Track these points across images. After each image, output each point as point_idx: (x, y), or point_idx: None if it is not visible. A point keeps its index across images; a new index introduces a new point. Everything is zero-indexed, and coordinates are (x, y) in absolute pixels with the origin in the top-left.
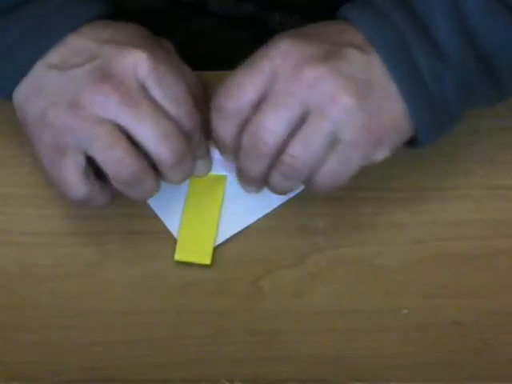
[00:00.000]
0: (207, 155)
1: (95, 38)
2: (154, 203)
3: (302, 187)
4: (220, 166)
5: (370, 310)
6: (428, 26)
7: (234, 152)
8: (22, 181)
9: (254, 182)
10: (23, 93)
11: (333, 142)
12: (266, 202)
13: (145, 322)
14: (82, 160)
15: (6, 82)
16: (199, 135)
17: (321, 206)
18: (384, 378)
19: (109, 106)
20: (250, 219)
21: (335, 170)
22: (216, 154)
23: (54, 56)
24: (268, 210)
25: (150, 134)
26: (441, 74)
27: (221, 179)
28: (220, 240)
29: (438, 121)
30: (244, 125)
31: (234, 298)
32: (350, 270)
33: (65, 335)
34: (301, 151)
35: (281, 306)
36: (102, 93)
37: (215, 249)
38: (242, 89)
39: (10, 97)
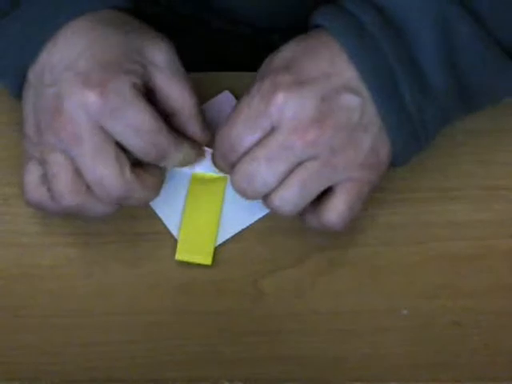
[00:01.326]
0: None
1: (66, 54)
2: (154, 204)
3: None
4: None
5: (370, 311)
6: (416, 58)
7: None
8: (22, 181)
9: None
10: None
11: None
12: None
13: (145, 322)
14: (40, 169)
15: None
16: (177, 150)
17: None
18: (384, 378)
19: (59, 140)
20: (251, 220)
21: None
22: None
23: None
24: (267, 211)
25: (95, 172)
26: (424, 106)
27: (221, 180)
28: (220, 240)
29: (417, 146)
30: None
31: (235, 299)
32: (350, 270)
33: (65, 335)
34: (293, 196)
35: (281, 306)
36: (54, 128)
37: (216, 249)
38: (241, 143)
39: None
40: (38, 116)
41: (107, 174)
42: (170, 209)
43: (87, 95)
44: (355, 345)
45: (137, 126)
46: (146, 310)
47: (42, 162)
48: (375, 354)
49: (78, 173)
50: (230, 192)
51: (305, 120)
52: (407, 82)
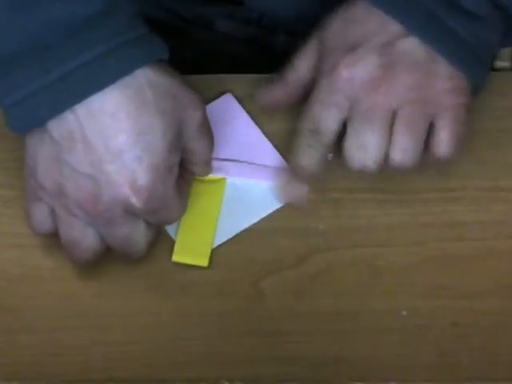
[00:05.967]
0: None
1: (106, 133)
2: None
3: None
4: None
5: (369, 311)
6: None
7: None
8: (23, 183)
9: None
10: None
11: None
12: (265, 205)
13: (145, 322)
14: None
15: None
16: None
17: (321, 207)
18: (384, 378)
19: (88, 216)
20: (249, 222)
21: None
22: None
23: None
24: (266, 213)
25: (123, 246)
26: (479, 33)
27: (220, 182)
28: (218, 242)
29: (486, 67)
30: None
31: (235, 299)
32: (349, 271)
33: (65, 335)
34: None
35: (281, 306)
36: (84, 208)
37: (216, 250)
38: (324, 122)
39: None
40: (59, 180)
41: (136, 250)
42: None
43: (132, 200)
44: (355, 345)
45: (170, 219)
46: (147, 311)
47: (56, 214)
48: (375, 354)
49: (100, 237)
50: (229, 194)
51: (374, 79)
52: (453, 19)
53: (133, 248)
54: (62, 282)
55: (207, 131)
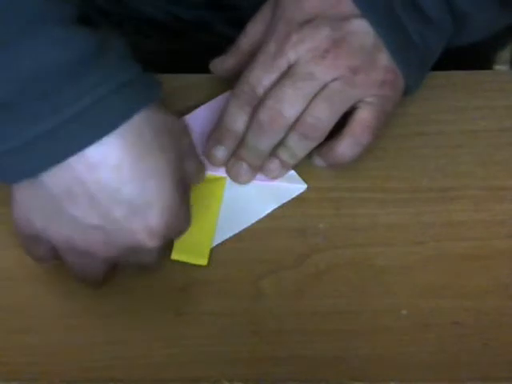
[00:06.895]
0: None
1: (109, 179)
2: None
3: (303, 187)
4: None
5: (369, 311)
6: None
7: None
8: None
9: (256, 161)
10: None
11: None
12: (264, 205)
13: (145, 322)
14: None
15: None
16: None
17: (320, 207)
18: (384, 378)
19: (97, 257)
20: (249, 221)
21: None
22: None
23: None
24: (266, 213)
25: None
26: (426, 34)
27: (220, 181)
28: (218, 241)
29: (424, 70)
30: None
31: (235, 299)
32: (349, 270)
33: (65, 335)
34: (324, 111)
35: (281, 306)
36: (94, 255)
37: (216, 249)
38: (261, 82)
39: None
40: (65, 233)
41: (149, 265)
42: None
43: (148, 244)
44: (355, 345)
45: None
46: (147, 311)
47: (63, 258)
48: (375, 353)
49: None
50: (229, 193)
51: (320, 48)
52: (407, 15)
53: (146, 265)
54: (62, 281)
55: (195, 149)
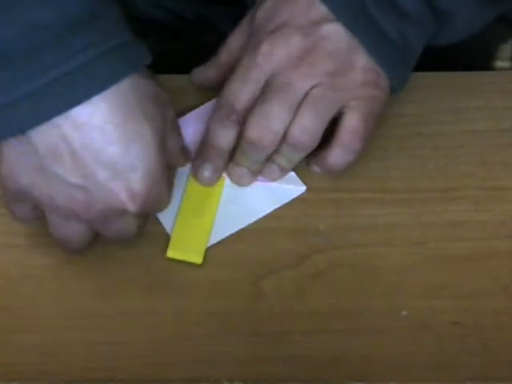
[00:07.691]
0: None
1: (93, 140)
2: None
3: (302, 189)
4: None
5: (369, 311)
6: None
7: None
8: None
9: (254, 167)
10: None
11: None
12: (262, 205)
13: (145, 322)
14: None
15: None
16: None
17: (320, 207)
18: (384, 377)
19: (78, 220)
20: (246, 221)
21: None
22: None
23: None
24: (264, 213)
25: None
26: (405, 31)
27: (219, 180)
28: (214, 240)
29: (408, 67)
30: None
31: (235, 299)
32: (349, 270)
33: (65, 335)
34: (310, 120)
35: (281, 306)
36: (75, 212)
37: (215, 249)
38: (239, 98)
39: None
40: (47, 191)
41: (128, 236)
42: (167, 209)
43: (128, 206)
44: (355, 345)
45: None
46: (147, 311)
47: (45, 216)
48: (375, 354)
49: (92, 230)
50: (228, 193)
51: (293, 56)
52: (383, 13)
53: (125, 236)
54: (62, 281)
55: (177, 126)
